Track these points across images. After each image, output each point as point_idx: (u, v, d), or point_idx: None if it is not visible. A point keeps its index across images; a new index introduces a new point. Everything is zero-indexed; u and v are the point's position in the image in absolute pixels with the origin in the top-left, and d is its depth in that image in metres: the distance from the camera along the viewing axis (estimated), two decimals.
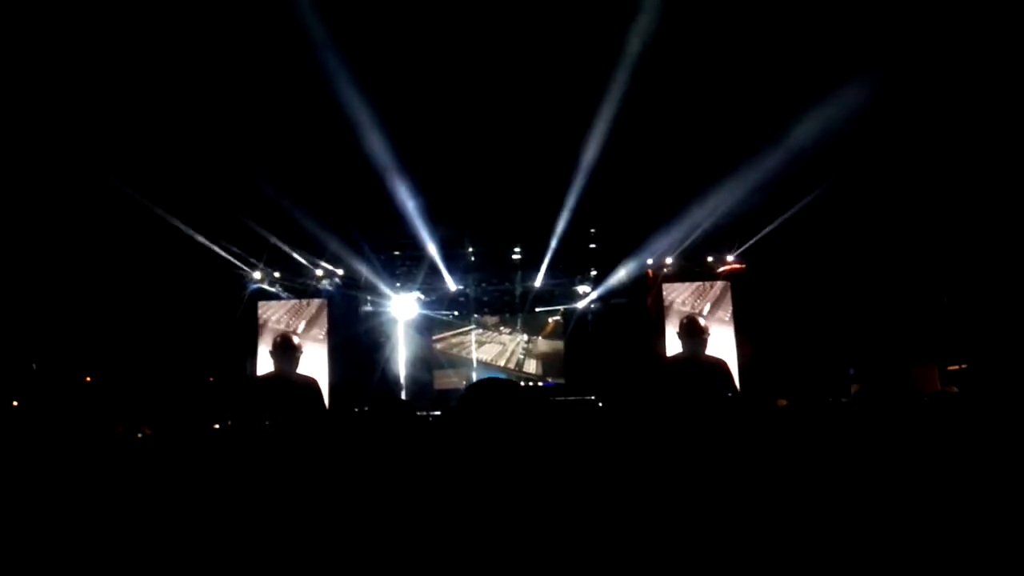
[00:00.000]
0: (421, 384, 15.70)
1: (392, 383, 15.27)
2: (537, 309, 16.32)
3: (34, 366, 12.08)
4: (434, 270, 14.83)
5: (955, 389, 11.73)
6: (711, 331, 13.53)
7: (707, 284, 14.24)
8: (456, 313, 16.30)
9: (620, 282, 15.08)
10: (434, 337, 16.24)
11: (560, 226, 13.16)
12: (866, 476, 2.41)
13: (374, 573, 1.93)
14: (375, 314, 15.50)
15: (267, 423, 4.08)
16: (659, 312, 14.22)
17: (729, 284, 14.21)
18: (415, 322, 16.05)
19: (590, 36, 8.99)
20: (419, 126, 10.58)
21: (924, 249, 12.00)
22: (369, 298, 15.39)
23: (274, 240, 12.98)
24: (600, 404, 11.32)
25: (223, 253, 12.85)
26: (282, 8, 8.17)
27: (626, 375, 14.91)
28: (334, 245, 13.63)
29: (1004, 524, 2.14)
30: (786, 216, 12.21)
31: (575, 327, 16.17)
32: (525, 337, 16.34)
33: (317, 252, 13.76)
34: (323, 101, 9.41)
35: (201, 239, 12.20)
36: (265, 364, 13.47)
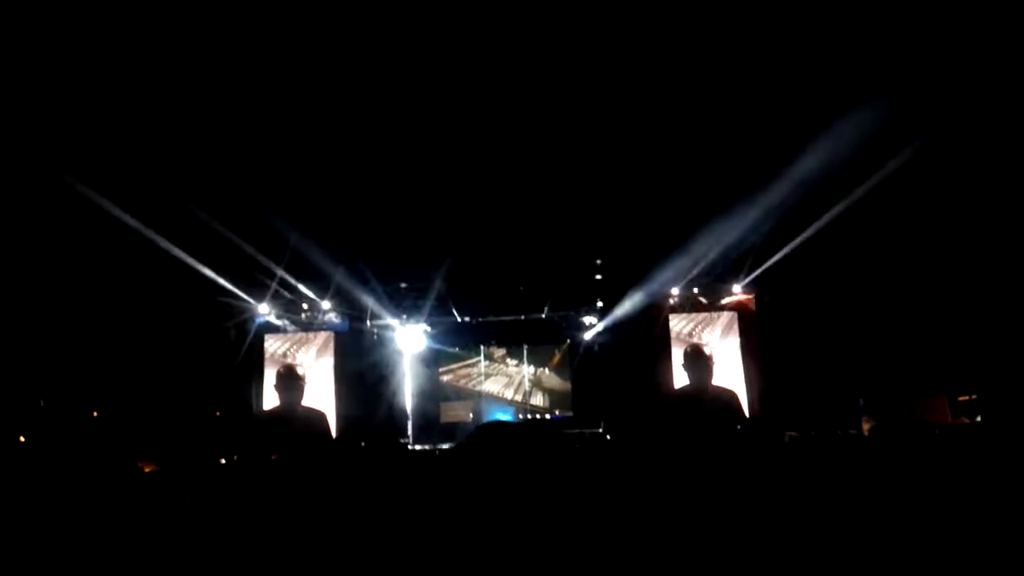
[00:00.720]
0: (428, 417, 15.63)
1: (399, 416, 15.21)
2: (544, 341, 16.28)
3: (42, 402, 12.08)
4: (441, 302, 14.84)
5: (966, 420, 11.63)
6: (718, 361, 13.62)
7: (714, 315, 14.20)
8: (462, 345, 16.28)
9: (626, 313, 15.04)
10: (441, 369, 16.21)
11: (566, 257, 13.18)
12: (878, 511, 2.38)
13: None
14: (382, 346, 15.49)
15: (272, 458, 4.05)
16: (666, 343, 14.17)
17: (736, 315, 14.16)
18: (422, 354, 16.03)
19: (596, 65, 9.09)
20: (428, 159, 10.67)
21: (932, 278, 11.96)
22: (376, 330, 15.40)
23: (281, 273, 13.02)
24: (608, 440, 11.24)
25: (229, 286, 12.89)
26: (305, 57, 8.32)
27: (633, 409, 14.83)
28: (341, 278, 13.67)
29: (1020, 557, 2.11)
30: (793, 246, 12.20)
31: (582, 359, 16.11)
32: (532, 369, 16.28)
33: (324, 285, 13.80)
34: (329, 132, 9.51)
35: (207, 272, 12.24)
36: (271, 397, 13.48)
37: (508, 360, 16.36)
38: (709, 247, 12.85)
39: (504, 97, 9.62)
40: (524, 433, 2.26)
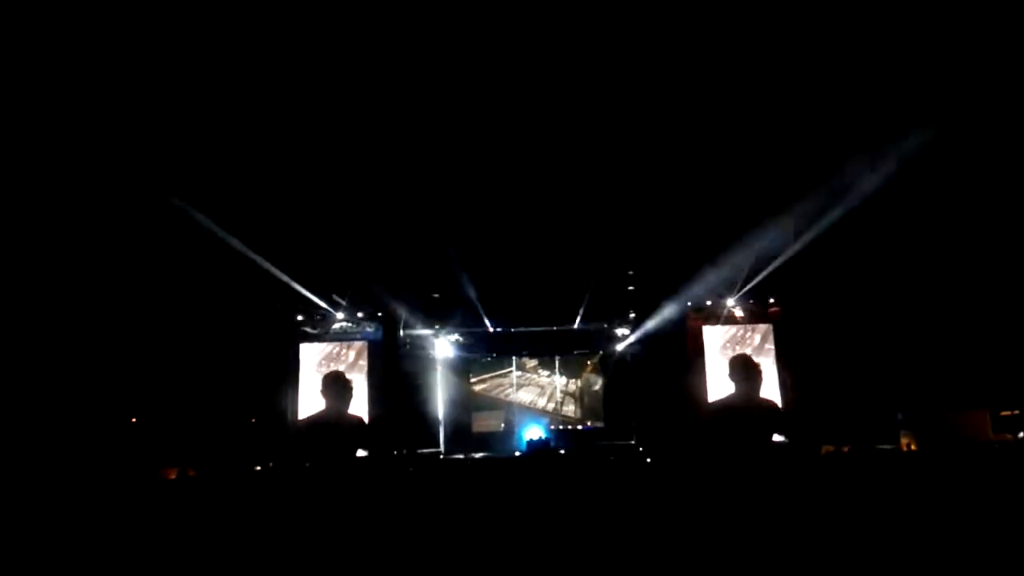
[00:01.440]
0: (460, 426, 15.67)
1: (431, 425, 15.27)
2: (576, 351, 16.25)
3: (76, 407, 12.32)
4: (473, 313, 14.89)
5: (1009, 437, 11.35)
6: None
7: (748, 327, 14.08)
8: (495, 355, 16.32)
9: (659, 325, 14.95)
10: (473, 379, 16.26)
11: (599, 268, 13.15)
12: (917, 528, 2.35)
13: None
14: (414, 356, 15.57)
15: (310, 465, 4.09)
16: (699, 356, 14.06)
17: (771, 327, 14.02)
18: (454, 364, 16.09)
19: (630, 78, 9.10)
20: (463, 170, 10.75)
21: (973, 289, 11.72)
22: (409, 340, 15.49)
23: (318, 283, 13.18)
24: (642, 454, 11.17)
25: (273, 288, 13.00)
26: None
27: (667, 422, 14.72)
28: (375, 288, 13.79)
29: None
30: (829, 258, 12.03)
31: (614, 370, 16.05)
32: (564, 380, 16.26)
33: (359, 296, 13.93)
34: (360, 140, 9.62)
35: (244, 280, 12.38)
36: (306, 405, 13.61)
37: (540, 371, 16.36)
38: (744, 259, 12.74)
39: (540, 109, 9.67)
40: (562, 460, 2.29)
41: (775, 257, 12.62)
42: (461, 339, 15.98)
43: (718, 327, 14.14)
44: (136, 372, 12.84)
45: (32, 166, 9.19)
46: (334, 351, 14.19)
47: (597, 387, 16.11)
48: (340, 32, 8.30)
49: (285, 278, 12.80)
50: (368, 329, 14.43)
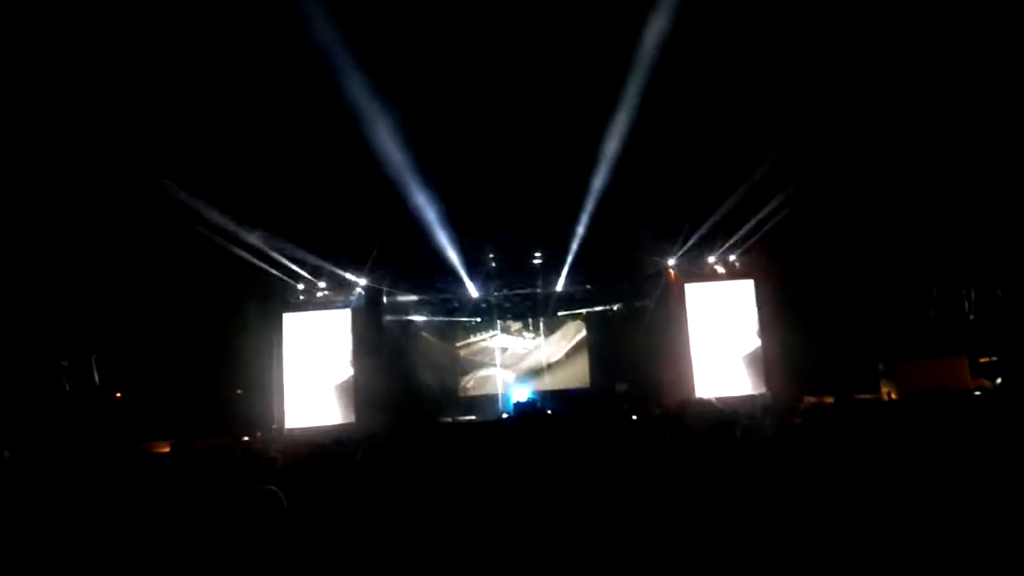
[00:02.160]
0: (447, 389, 15.74)
1: (417, 390, 15.31)
2: (560, 313, 16.30)
3: (67, 387, 12.24)
4: (456, 277, 14.86)
5: (987, 383, 11.56)
6: (737, 331, 13.62)
7: (730, 284, 14.18)
8: (479, 319, 16.33)
9: (642, 284, 15.02)
10: (458, 344, 16.30)
11: (580, 230, 13.10)
12: (899, 475, 2.39)
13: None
14: (398, 323, 15.56)
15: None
16: (681, 314, 14.18)
17: (752, 283, 14.13)
18: (439, 329, 16.10)
19: (608, 42, 8.95)
20: (440, 134, 10.58)
21: (953, 240, 11.82)
22: (392, 307, 15.45)
23: (299, 253, 13.05)
24: (632, 416, 11.25)
25: (255, 260, 12.84)
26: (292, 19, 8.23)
27: (652, 381, 14.87)
28: (358, 256, 13.69)
29: None
30: (808, 212, 12.07)
31: (598, 330, 16.13)
32: (548, 342, 16.34)
33: (341, 264, 13.82)
34: (343, 110, 9.43)
35: (233, 251, 12.19)
36: (291, 376, 13.63)
37: (524, 333, 16.42)
38: (723, 217, 12.76)
39: (520, 68, 9.51)
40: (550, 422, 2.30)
41: (754, 213, 12.66)
42: (445, 304, 15.96)
43: (700, 284, 14.23)
44: (120, 347, 12.76)
45: None
46: (318, 320, 14.16)
47: (581, 348, 16.20)
48: None
49: (267, 248, 12.66)
50: (351, 297, 14.38)
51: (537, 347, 16.37)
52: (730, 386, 13.30)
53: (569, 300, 16.11)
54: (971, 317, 12.58)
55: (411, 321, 15.67)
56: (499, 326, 16.35)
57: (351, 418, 13.52)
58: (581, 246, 13.79)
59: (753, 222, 13.07)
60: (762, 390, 13.35)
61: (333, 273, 14.05)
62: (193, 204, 10.86)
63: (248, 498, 2.41)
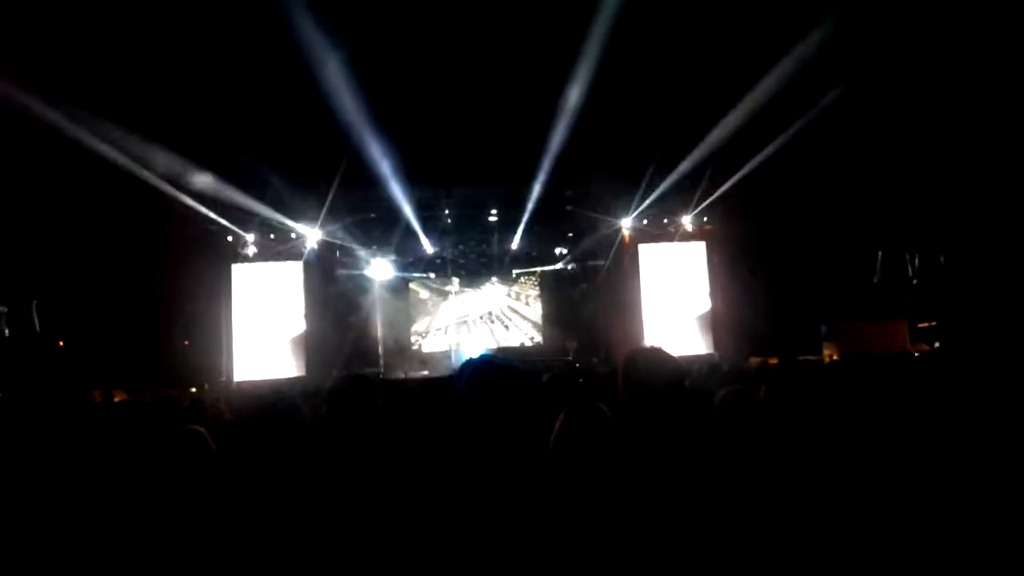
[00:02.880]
0: (401, 345, 15.68)
1: (370, 345, 15.23)
2: (515, 271, 16.30)
3: (5, 333, 11.88)
4: (411, 232, 14.69)
5: (925, 347, 11.97)
6: (688, 292, 13.83)
7: (682, 245, 14.35)
8: (433, 275, 16.24)
9: (596, 244, 15.09)
10: (411, 299, 16.20)
11: (537, 188, 13.05)
12: (841, 436, 2.44)
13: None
14: (351, 277, 15.37)
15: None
16: (634, 273, 14.34)
17: (704, 245, 14.33)
18: (392, 284, 15.95)
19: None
20: (395, 84, 10.35)
21: (899, 205, 12.07)
22: (345, 260, 15.25)
23: (249, 202, 12.73)
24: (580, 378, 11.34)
25: (205, 211, 12.48)
26: None
27: (604, 338, 15.02)
28: (309, 207, 13.43)
29: (980, 486, 2.17)
30: (760, 175, 12.20)
31: (552, 288, 16.20)
32: (502, 298, 16.36)
33: (292, 215, 13.54)
34: (294, 54, 9.15)
35: (182, 199, 11.82)
36: (241, 328, 13.44)
37: (479, 289, 16.40)
38: (677, 178, 12.84)
39: (477, 19, 9.33)
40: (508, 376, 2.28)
41: (705, 174, 12.78)
42: (399, 259, 15.80)
43: (653, 245, 14.38)
44: (62, 294, 12.40)
45: None
46: (268, 272, 13.94)
47: (535, 305, 16.27)
48: None
49: (217, 195, 12.31)
50: (303, 249, 14.15)
51: (491, 304, 16.37)
52: (680, 346, 13.53)
53: (525, 258, 16.10)
54: (914, 282, 12.96)
55: (364, 275, 15.49)
56: (454, 282, 16.29)
57: (302, 372, 13.43)
58: (537, 204, 13.76)
59: (705, 185, 13.22)
60: (711, 350, 13.62)
61: (284, 225, 13.78)
62: (141, 148, 10.49)
63: (170, 438, 2.36)
